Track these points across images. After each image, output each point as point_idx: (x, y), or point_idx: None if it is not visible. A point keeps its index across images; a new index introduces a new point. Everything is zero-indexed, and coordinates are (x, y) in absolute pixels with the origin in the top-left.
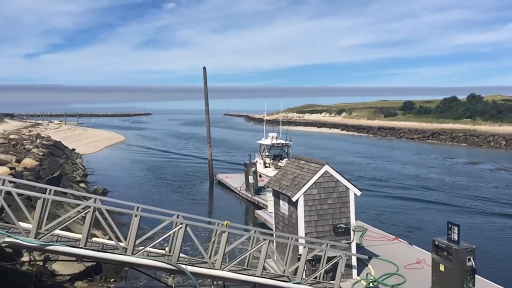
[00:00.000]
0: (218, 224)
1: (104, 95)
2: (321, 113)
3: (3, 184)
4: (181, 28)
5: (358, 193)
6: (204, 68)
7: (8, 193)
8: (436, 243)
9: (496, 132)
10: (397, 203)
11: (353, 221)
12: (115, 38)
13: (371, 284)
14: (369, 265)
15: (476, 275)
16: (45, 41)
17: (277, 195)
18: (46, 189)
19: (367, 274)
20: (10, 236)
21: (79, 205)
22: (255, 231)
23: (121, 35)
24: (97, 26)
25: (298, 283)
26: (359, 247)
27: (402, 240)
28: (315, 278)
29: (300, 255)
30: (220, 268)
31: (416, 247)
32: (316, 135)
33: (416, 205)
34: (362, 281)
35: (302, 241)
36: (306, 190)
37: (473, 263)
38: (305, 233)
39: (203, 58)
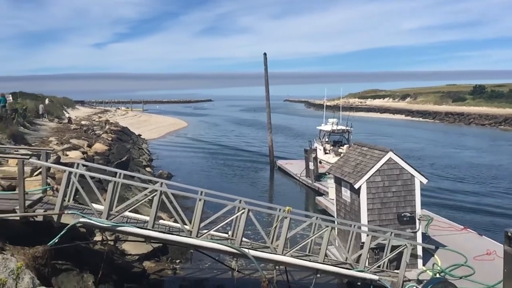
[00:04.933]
0: (280, 209)
1: (168, 82)
2: (384, 98)
3: (77, 168)
4: (241, 14)
5: (425, 181)
6: (265, 54)
7: (82, 176)
8: (509, 234)
9: None
10: (466, 192)
11: (418, 210)
12: (178, 26)
13: (437, 275)
14: (435, 255)
15: None
16: (112, 30)
17: (338, 182)
18: (116, 172)
19: (433, 265)
20: (84, 217)
21: (146, 188)
22: (317, 217)
23: (183, 23)
24: (160, 14)
25: (361, 271)
26: (425, 237)
27: (471, 230)
28: (379, 266)
29: (363, 243)
30: (282, 253)
31: (486, 238)
32: (379, 121)
33: (487, 194)
34: (428, 271)
35: (365, 228)
36: (369, 177)
37: None
38: (368, 221)
39: (263, 44)
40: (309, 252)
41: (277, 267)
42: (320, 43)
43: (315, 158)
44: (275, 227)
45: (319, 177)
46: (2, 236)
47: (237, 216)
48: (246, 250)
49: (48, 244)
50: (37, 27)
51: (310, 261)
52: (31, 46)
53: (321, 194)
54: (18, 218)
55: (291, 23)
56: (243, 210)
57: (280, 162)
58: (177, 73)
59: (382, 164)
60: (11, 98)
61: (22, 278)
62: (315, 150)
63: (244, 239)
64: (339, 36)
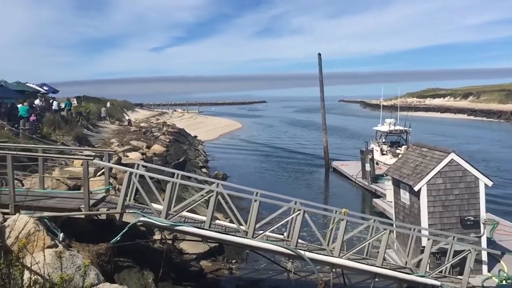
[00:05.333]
0: (336, 211)
1: (223, 84)
2: (444, 97)
3: (137, 168)
4: (296, 15)
5: (490, 183)
6: (319, 54)
7: (141, 176)
8: None
9: None
10: None
11: (483, 214)
12: (233, 29)
13: (504, 282)
14: (501, 261)
15: None
16: (169, 34)
17: (397, 183)
18: (174, 173)
19: (499, 271)
20: (144, 216)
21: (203, 189)
22: (374, 220)
23: (238, 25)
24: (216, 17)
25: (422, 276)
26: (490, 242)
27: None
28: (440, 272)
29: (423, 247)
30: (339, 256)
31: None
32: (439, 121)
33: None
34: (493, 277)
35: (425, 232)
36: (430, 180)
37: None
38: (429, 225)
39: (318, 44)
40: (366, 255)
41: (333, 269)
42: (377, 42)
43: (372, 159)
44: (331, 229)
45: (376, 178)
46: (69, 233)
47: (292, 218)
48: (302, 252)
49: (111, 241)
50: (100, 34)
51: (367, 264)
52: (94, 52)
53: (378, 196)
54: (83, 216)
55: (347, 22)
56: (298, 212)
57: (335, 164)
58: (231, 75)
59: (444, 166)
60: (75, 101)
61: (88, 274)
62: (372, 151)
63: (300, 240)
64: (397, 34)
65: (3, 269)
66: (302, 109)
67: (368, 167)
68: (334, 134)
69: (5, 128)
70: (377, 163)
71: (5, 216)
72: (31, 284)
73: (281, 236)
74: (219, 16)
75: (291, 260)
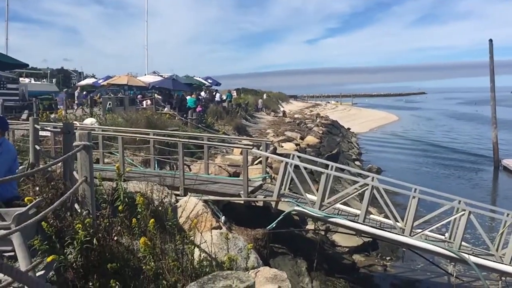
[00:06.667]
0: (508, 214)
1: (377, 76)
2: None
3: (292, 159)
4: None
5: None
6: (490, 40)
7: (295, 166)
8: None
9: None
10: None
11: None
12: (390, 17)
13: None
14: None
15: None
16: (324, 26)
17: None
18: (327, 164)
19: None
20: (299, 206)
21: (356, 181)
22: None
23: (396, 13)
24: (373, 7)
25: None
26: None
27: None
28: None
29: None
30: (510, 264)
31: None
32: None
33: None
34: None
35: None
36: None
37: None
38: None
39: (488, 29)
40: None
41: (503, 278)
42: None
43: None
44: (502, 233)
45: None
46: (228, 217)
47: (455, 218)
48: (466, 256)
49: (267, 228)
50: (258, 29)
51: None
52: (253, 46)
53: None
54: (242, 202)
55: None
56: (463, 212)
57: (506, 161)
58: (388, 65)
59: None
60: (235, 93)
61: (249, 257)
62: None
63: (463, 243)
64: None
65: (178, 245)
66: (467, 101)
67: None
68: (505, 129)
69: (176, 118)
70: None
71: (177, 197)
72: (200, 260)
73: (442, 237)
74: (376, 5)
75: (453, 264)
